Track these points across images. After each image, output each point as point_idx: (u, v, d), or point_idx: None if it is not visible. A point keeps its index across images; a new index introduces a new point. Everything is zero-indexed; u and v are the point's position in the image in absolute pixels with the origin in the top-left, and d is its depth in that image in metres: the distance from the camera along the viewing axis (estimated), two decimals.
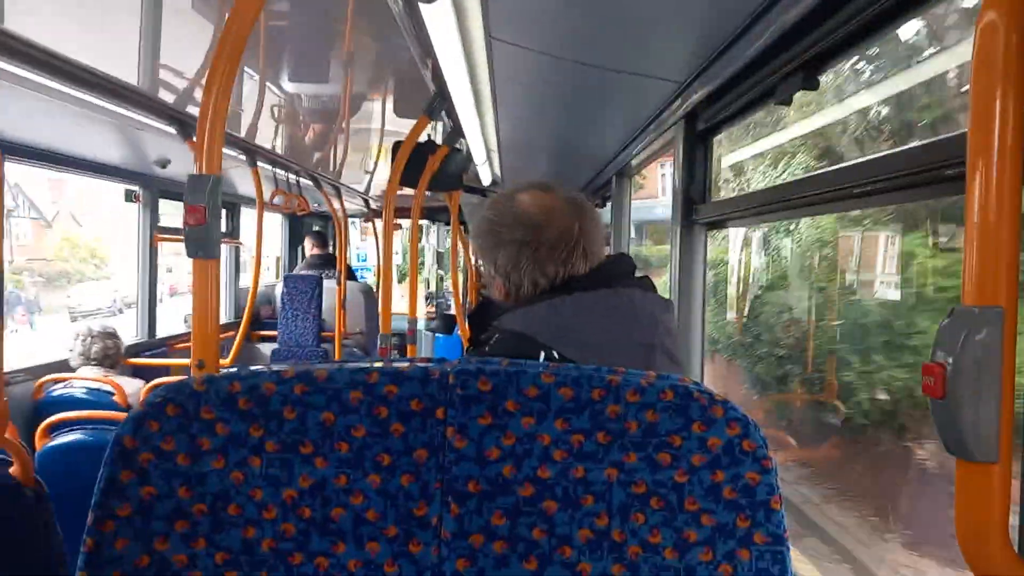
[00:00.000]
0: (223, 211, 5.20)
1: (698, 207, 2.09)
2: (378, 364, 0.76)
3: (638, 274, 1.28)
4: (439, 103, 2.46)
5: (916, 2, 1.12)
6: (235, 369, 0.76)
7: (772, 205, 1.73)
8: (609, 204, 3.93)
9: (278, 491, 0.73)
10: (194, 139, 1.38)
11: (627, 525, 0.74)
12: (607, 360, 1.09)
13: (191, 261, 1.29)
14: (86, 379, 3.13)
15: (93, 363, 3.22)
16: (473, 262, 6.54)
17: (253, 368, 0.75)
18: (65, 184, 20.93)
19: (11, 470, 2.15)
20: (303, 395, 0.74)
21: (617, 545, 0.74)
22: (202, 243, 1.25)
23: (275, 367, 0.76)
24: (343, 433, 0.74)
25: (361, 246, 8.49)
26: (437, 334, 6.61)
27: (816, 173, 1.55)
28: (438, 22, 1.75)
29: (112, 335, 3.29)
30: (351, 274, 6.05)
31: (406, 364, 0.76)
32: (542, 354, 1.13)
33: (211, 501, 0.73)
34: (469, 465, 0.74)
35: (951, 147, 0.99)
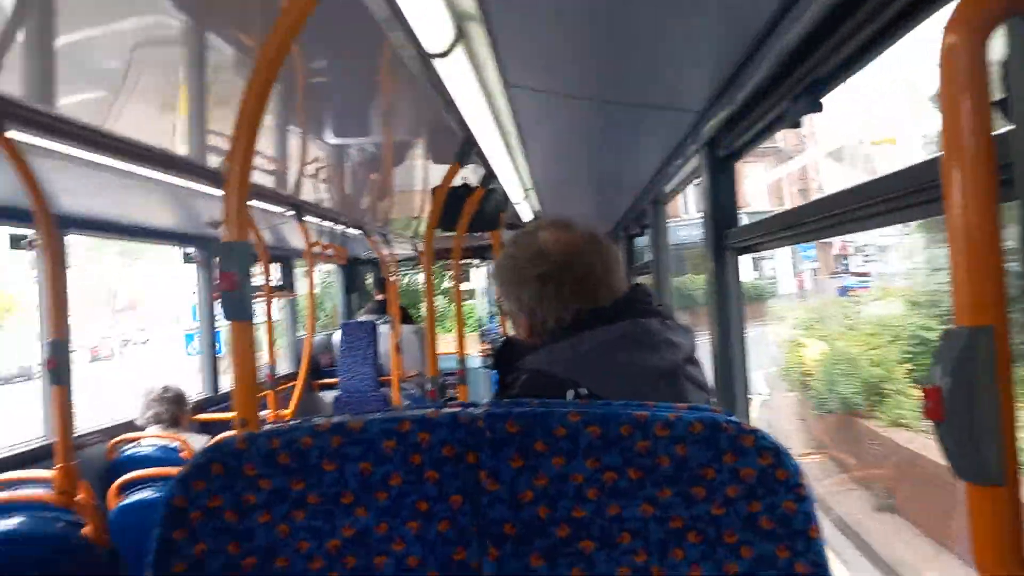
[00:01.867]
0: (276, 265, 5.41)
1: (727, 232, 2.08)
2: (408, 412, 0.78)
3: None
4: (467, 149, 2.52)
5: (912, 18, 1.12)
6: (275, 424, 0.80)
7: (800, 227, 1.72)
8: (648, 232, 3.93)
9: (322, 542, 0.75)
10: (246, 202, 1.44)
11: (666, 561, 0.73)
12: (632, 391, 1.09)
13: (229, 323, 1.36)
14: (155, 437, 3.25)
15: (152, 424, 3.33)
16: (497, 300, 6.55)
17: (291, 423, 0.79)
18: None
19: (84, 530, 2.26)
20: (339, 447, 0.75)
21: None
22: (236, 307, 1.31)
23: (310, 420, 0.79)
24: (381, 482, 0.75)
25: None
26: (493, 370, 6.63)
27: (840, 192, 1.54)
28: (455, 75, 1.81)
29: (166, 400, 3.35)
30: (406, 317, 6.14)
31: (436, 411, 0.78)
32: (569, 392, 1.15)
33: (260, 554, 0.75)
34: (503, 508, 0.74)
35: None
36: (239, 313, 1.30)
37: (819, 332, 9.74)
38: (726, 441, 0.74)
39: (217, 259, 4.32)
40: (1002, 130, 0.71)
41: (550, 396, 1.05)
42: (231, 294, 1.27)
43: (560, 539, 0.74)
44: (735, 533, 0.74)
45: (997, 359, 0.71)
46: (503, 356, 1.33)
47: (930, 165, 1.12)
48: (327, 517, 0.76)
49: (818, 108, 1.37)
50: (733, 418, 0.77)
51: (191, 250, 4.23)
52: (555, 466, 0.75)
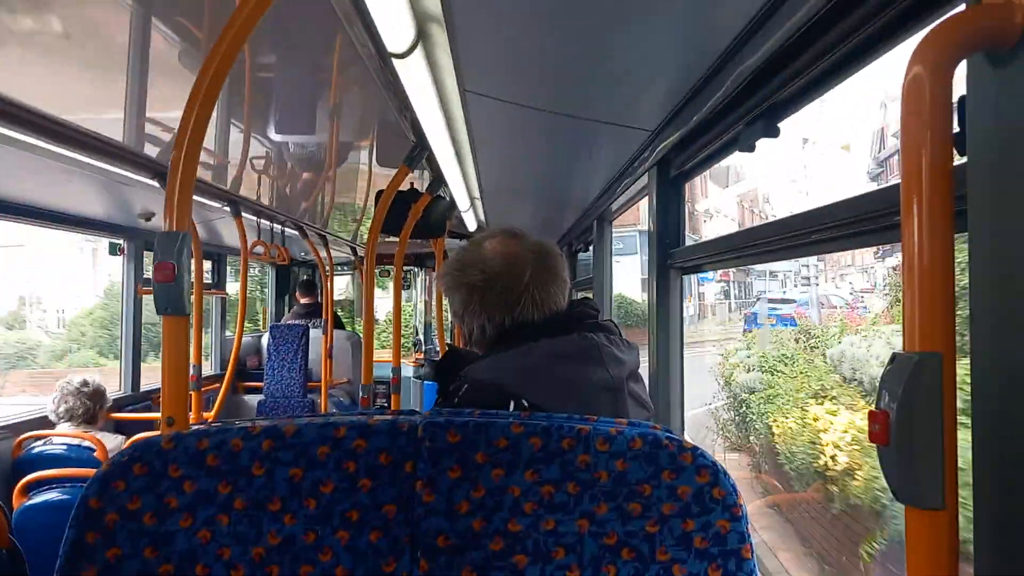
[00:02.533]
0: (208, 262, 5.25)
1: (672, 252, 2.11)
2: (346, 418, 0.76)
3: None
4: (418, 153, 2.49)
5: (872, 50, 1.16)
6: (204, 425, 0.76)
7: (743, 249, 1.75)
8: (591, 248, 3.97)
9: (246, 549, 0.72)
10: None
11: None
12: (576, 405, 1.09)
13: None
14: (66, 435, 3.08)
15: (65, 420, 3.16)
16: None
17: (221, 423, 0.75)
18: None
19: None
20: (271, 451, 0.73)
21: None
22: (172, 300, 1.25)
23: (242, 422, 0.76)
24: (311, 489, 0.73)
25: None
26: (425, 381, 6.58)
27: (784, 218, 1.58)
28: (412, 76, 1.79)
29: (84, 394, 3.18)
30: (338, 323, 6.03)
31: (375, 417, 0.76)
32: (511, 403, 1.14)
33: (178, 561, 0.72)
34: (438, 520, 0.73)
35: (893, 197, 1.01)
36: (174, 307, 1.24)
37: (797, 376, 6.99)
38: (666, 458, 0.75)
39: (142, 251, 4.16)
40: (956, 162, 0.73)
41: (492, 407, 1.04)
42: (166, 286, 1.21)
43: (493, 552, 0.73)
44: (668, 551, 0.74)
45: (943, 385, 0.72)
46: (446, 364, 1.31)
47: (878, 194, 1.15)
48: (253, 523, 0.73)
49: (775, 133, 1.40)
50: (674, 435, 0.77)
51: (119, 241, 4.05)
52: (494, 478, 0.74)
